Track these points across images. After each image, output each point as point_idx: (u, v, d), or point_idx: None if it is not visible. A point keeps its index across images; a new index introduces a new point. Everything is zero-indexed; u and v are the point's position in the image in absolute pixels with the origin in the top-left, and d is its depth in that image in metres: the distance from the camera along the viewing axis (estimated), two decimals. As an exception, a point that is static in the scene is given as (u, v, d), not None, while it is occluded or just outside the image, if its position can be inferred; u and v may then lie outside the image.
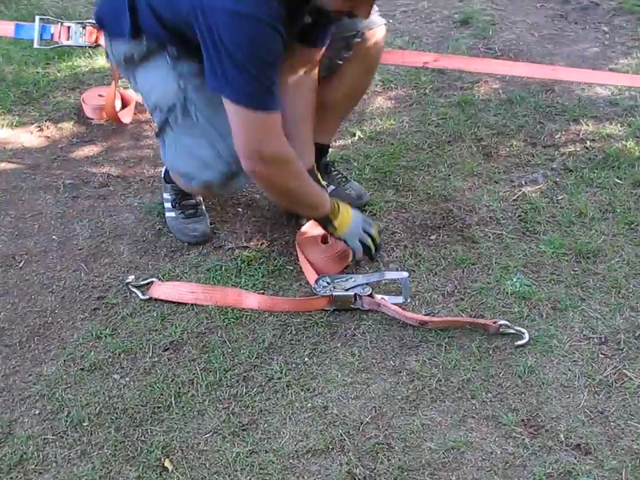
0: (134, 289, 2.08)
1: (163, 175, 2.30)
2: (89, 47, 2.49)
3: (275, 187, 1.92)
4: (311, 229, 2.16)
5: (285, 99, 1.96)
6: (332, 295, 1.96)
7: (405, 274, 1.97)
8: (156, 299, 2.06)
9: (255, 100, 1.68)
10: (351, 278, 2.00)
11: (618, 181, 2.42)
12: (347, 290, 1.97)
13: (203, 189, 2.06)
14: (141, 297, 2.06)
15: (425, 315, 1.94)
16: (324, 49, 2.01)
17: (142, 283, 2.10)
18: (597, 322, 1.91)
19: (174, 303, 2.04)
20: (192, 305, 2.03)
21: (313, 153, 2.11)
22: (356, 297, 1.96)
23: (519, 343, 1.85)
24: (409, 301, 1.98)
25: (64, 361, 1.89)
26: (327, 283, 2.01)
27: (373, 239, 2.06)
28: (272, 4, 1.61)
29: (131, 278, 2.10)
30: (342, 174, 2.38)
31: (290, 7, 1.68)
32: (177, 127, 1.95)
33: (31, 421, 1.74)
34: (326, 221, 2.00)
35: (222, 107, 1.84)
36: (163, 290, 2.07)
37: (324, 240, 2.13)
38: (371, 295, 1.96)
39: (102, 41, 2.39)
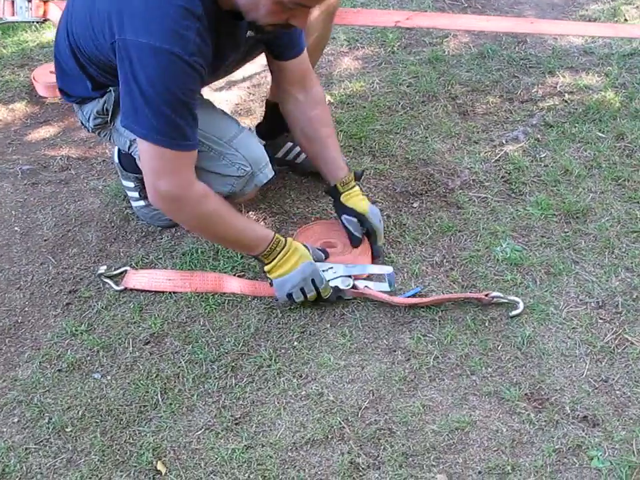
0: (107, 280, 1.96)
1: (118, 161, 2.13)
2: (37, 22, 2.31)
3: (181, 222, 1.83)
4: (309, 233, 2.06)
5: (302, 119, 1.95)
6: None
7: (390, 269, 1.87)
8: (131, 289, 1.95)
9: (162, 137, 1.56)
10: (332, 268, 1.88)
11: (600, 134, 2.35)
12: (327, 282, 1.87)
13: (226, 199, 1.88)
14: (115, 288, 1.94)
15: (412, 297, 1.85)
16: (304, 52, 1.90)
17: (115, 272, 1.99)
18: (593, 285, 1.86)
19: (151, 292, 1.94)
20: (170, 292, 1.93)
21: (343, 167, 1.97)
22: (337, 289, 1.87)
23: (514, 312, 1.79)
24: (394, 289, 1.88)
25: (39, 362, 1.78)
26: None
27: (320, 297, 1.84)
28: (188, 37, 1.50)
29: (102, 268, 1.98)
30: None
31: (216, 29, 1.58)
32: None
33: (10, 430, 1.64)
34: (258, 261, 1.85)
35: (214, 115, 1.78)
36: (138, 279, 1.96)
37: (330, 246, 1.99)
38: (353, 287, 1.86)
39: (50, 15, 2.23)
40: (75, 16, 1.70)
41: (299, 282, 1.79)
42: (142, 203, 2.11)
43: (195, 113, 1.60)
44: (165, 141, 1.56)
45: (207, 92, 2.10)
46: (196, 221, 1.73)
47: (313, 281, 1.80)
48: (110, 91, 1.79)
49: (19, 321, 1.89)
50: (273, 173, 1.89)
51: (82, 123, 1.95)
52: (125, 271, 1.98)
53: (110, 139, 1.93)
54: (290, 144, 2.23)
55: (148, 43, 1.48)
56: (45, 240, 2.12)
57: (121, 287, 1.95)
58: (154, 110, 1.53)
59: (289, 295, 1.81)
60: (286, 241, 1.80)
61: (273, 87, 2.16)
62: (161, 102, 1.52)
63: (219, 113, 1.90)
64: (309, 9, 1.56)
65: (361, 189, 1.99)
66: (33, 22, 2.37)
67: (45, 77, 2.70)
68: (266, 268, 1.81)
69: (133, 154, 1.90)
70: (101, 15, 1.57)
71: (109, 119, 1.84)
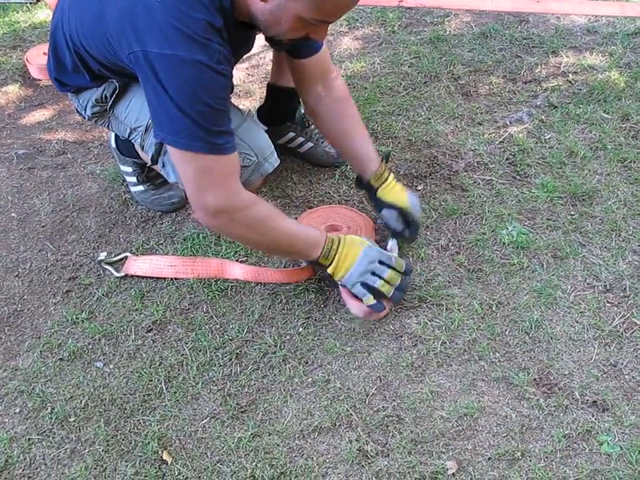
0: (107, 267, 1.93)
1: (115, 146, 2.08)
2: (30, 2, 2.25)
3: (233, 236, 1.75)
4: (317, 215, 1.99)
5: (327, 116, 1.89)
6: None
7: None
8: (132, 276, 1.92)
9: (198, 143, 1.49)
10: None
11: (605, 115, 2.32)
12: None
13: None
14: (116, 274, 1.91)
15: None
16: (323, 47, 1.82)
17: (115, 259, 1.95)
18: (600, 268, 1.84)
19: (152, 278, 1.91)
20: (172, 279, 1.90)
21: (373, 158, 1.89)
22: None
23: None
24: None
25: (40, 351, 1.75)
26: None
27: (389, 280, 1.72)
28: (213, 47, 1.45)
29: (102, 255, 1.95)
30: (319, 127, 2.22)
31: (233, 39, 1.53)
32: None
33: (12, 421, 1.62)
34: (318, 265, 1.76)
35: None
36: (139, 265, 1.93)
37: (334, 229, 1.94)
38: None
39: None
40: (76, 14, 1.63)
41: (367, 267, 1.70)
42: (141, 187, 2.08)
43: (229, 119, 1.54)
44: (205, 147, 1.49)
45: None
46: (248, 230, 1.63)
47: (380, 262, 1.71)
48: (110, 80, 1.75)
49: (18, 309, 1.86)
50: (279, 162, 1.84)
51: (78, 111, 1.90)
52: (126, 257, 1.95)
53: (108, 126, 1.89)
54: (292, 134, 2.18)
55: (174, 54, 1.42)
56: (43, 226, 2.09)
57: (122, 274, 1.91)
58: (190, 119, 1.46)
59: (364, 285, 1.69)
60: (339, 238, 1.72)
61: (274, 68, 2.12)
62: (194, 112, 1.45)
63: None
64: (329, 24, 1.52)
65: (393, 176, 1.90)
66: (26, 2, 2.30)
67: (38, 59, 2.64)
68: (329, 271, 1.71)
69: (133, 141, 1.86)
70: (114, 20, 1.49)
71: (108, 106, 1.80)
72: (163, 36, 1.41)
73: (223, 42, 1.47)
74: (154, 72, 1.44)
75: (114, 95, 1.78)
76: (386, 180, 1.89)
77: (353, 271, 1.70)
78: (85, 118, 1.90)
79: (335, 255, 1.70)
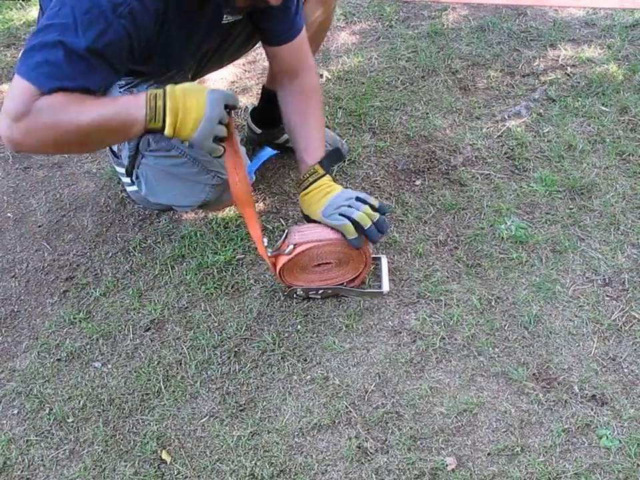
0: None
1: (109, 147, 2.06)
2: (24, -1, 2.23)
3: (37, 141, 1.42)
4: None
5: (287, 111, 1.81)
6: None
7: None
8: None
9: (33, 75, 1.34)
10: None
11: (604, 108, 2.30)
12: None
13: (200, 208, 1.78)
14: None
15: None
16: (298, 38, 1.73)
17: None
18: (599, 262, 1.83)
19: (149, 277, 1.90)
20: (169, 277, 1.89)
21: (320, 147, 1.74)
22: None
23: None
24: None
25: (38, 352, 1.74)
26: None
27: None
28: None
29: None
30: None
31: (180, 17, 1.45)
32: (151, 153, 1.73)
33: (10, 422, 1.61)
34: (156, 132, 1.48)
35: None
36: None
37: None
38: None
39: None
40: None
41: (219, 112, 1.47)
42: (136, 187, 2.06)
43: (89, 72, 1.37)
44: (26, 72, 1.35)
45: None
46: (50, 124, 1.38)
47: (225, 106, 1.50)
48: None
49: (15, 310, 1.85)
50: (253, 179, 1.77)
51: None
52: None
53: None
54: (286, 135, 2.16)
55: None
56: (39, 226, 2.08)
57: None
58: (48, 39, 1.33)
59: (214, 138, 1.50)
60: (165, 90, 1.44)
61: (271, 72, 2.11)
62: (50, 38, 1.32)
63: None
64: None
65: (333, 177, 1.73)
66: (19, -1, 2.29)
67: (34, 58, 2.62)
68: (167, 133, 1.43)
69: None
70: None
71: None
72: None
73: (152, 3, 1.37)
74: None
75: None
76: (307, 187, 1.70)
77: (205, 127, 1.44)
78: None
79: (163, 111, 1.42)
